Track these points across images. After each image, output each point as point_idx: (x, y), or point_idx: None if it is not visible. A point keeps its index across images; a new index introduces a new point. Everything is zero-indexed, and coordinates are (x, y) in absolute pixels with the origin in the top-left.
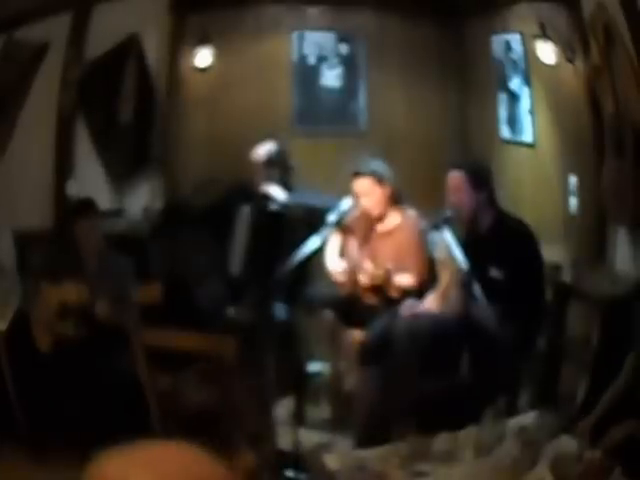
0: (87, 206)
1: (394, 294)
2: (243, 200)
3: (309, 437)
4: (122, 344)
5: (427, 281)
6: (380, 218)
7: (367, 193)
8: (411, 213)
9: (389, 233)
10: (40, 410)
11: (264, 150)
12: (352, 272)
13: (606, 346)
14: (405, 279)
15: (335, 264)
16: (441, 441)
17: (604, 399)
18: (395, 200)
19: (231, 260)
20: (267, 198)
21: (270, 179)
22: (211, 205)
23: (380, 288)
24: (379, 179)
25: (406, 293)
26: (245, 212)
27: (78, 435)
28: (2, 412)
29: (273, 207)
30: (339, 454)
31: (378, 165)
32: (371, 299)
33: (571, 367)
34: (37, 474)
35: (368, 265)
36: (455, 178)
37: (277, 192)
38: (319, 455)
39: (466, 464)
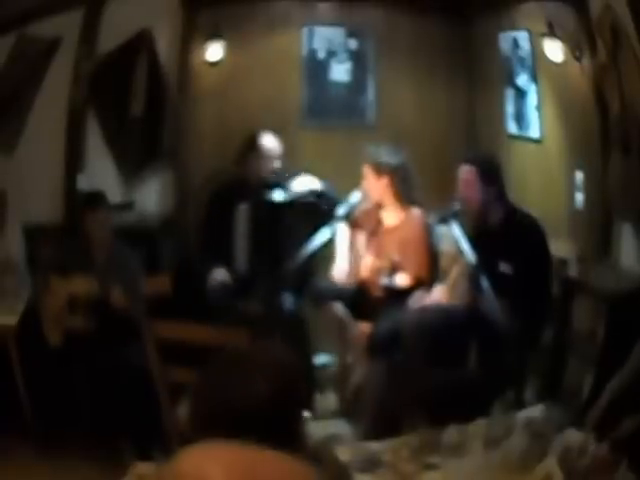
0: (99, 199)
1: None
2: (240, 195)
3: (318, 428)
4: (132, 337)
5: (426, 279)
6: (379, 207)
7: (366, 182)
8: (416, 211)
9: (394, 229)
10: (50, 405)
11: (273, 143)
12: (359, 265)
13: (611, 340)
14: (400, 279)
15: (342, 260)
16: (450, 433)
17: (610, 388)
18: (397, 190)
19: (235, 255)
20: (266, 192)
21: (276, 172)
22: (210, 200)
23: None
24: (378, 168)
25: (413, 287)
26: (243, 208)
27: (88, 431)
28: (11, 408)
29: (274, 200)
30: (350, 446)
31: (382, 155)
32: (379, 292)
33: (577, 361)
34: (46, 470)
35: (371, 258)
36: (466, 172)
37: (281, 185)
38: (330, 447)
39: (476, 456)
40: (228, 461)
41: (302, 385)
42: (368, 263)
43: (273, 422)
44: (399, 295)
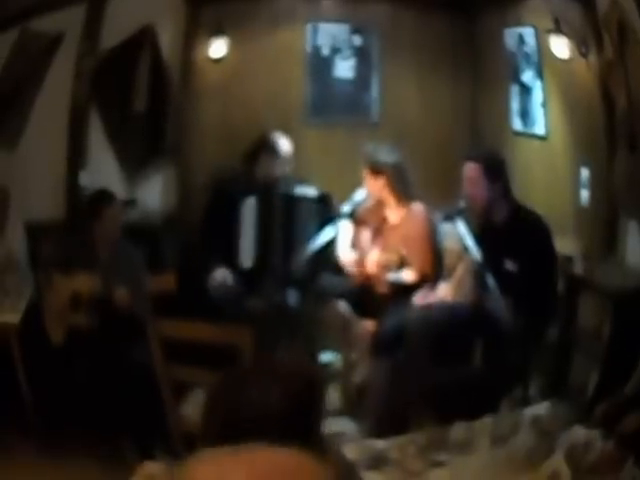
0: (112, 195)
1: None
2: (246, 189)
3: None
4: (135, 335)
5: (431, 275)
6: (381, 205)
7: (365, 182)
8: (418, 207)
9: (397, 227)
10: (52, 403)
11: (288, 146)
12: (363, 262)
13: (617, 338)
14: (406, 275)
15: (347, 254)
16: (457, 431)
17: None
18: (395, 188)
19: (241, 250)
20: (273, 189)
21: (287, 176)
22: (214, 195)
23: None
24: (374, 168)
25: (417, 283)
26: (251, 202)
27: (91, 429)
28: (14, 406)
29: (284, 193)
30: (356, 444)
31: (378, 154)
32: (384, 288)
33: (582, 358)
34: (48, 468)
35: (377, 252)
36: (471, 169)
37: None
38: (336, 445)
39: (482, 453)
40: (250, 468)
41: (320, 396)
42: (374, 257)
43: (288, 434)
44: (404, 292)
